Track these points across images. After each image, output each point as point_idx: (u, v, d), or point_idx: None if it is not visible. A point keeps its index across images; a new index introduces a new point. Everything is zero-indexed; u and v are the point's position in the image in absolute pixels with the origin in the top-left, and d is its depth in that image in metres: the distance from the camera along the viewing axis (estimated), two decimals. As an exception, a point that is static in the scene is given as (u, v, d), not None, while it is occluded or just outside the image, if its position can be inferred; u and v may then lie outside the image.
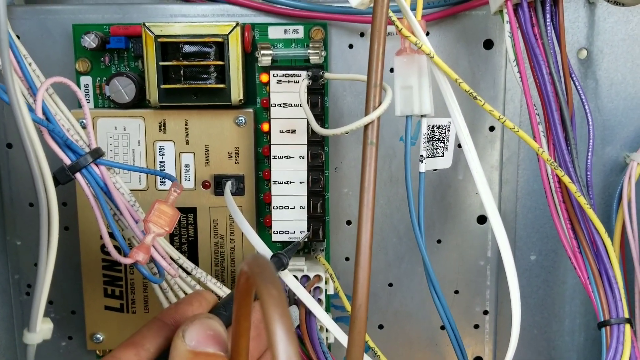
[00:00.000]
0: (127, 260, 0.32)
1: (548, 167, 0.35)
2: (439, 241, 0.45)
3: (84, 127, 0.38)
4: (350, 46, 0.42)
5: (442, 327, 0.45)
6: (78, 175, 0.33)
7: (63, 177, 0.33)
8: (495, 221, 0.32)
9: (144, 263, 0.32)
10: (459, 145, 0.43)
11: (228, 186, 0.39)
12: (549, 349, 0.48)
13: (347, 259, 0.45)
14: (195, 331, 0.25)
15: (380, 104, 0.30)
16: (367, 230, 0.29)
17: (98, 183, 0.33)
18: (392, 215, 0.44)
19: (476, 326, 0.46)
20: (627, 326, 0.31)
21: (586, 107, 0.36)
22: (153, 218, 0.32)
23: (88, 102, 0.41)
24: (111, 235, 0.33)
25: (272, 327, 0.17)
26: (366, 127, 0.30)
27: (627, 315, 0.32)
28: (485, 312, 0.46)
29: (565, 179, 0.32)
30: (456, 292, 0.45)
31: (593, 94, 0.45)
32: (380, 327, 0.46)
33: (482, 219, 0.44)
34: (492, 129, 0.43)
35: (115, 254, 0.32)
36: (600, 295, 0.31)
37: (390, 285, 0.45)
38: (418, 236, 0.35)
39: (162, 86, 0.38)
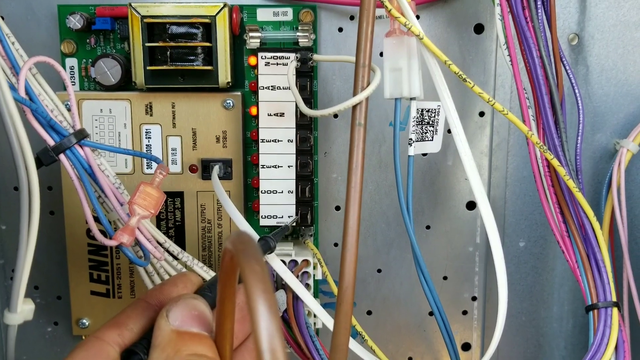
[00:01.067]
0: (111, 242, 0.31)
1: (537, 151, 0.35)
2: (428, 227, 0.44)
3: (68, 108, 0.37)
4: (340, 29, 0.42)
5: (431, 313, 0.45)
6: (62, 157, 0.32)
7: (47, 158, 0.32)
8: (484, 207, 0.32)
9: (128, 245, 0.31)
10: (449, 131, 0.43)
11: (215, 170, 0.39)
12: (537, 335, 0.48)
13: (335, 244, 0.44)
14: (180, 311, 0.24)
15: (368, 84, 0.30)
16: (354, 212, 0.29)
17: (82, 165, 0.33)
18: (381, 200, 0.44)
19: (464, 312, 0.46)
20: (615, 310, 0.31)
21: (577, 91, 0.36)
22: (138, 200, 0.32)
23: (73, 84, 0.40)
24: (96, 218, 0.33)
25: (254, 303, 0.17)
26: (354, 108, 0.30)
27: (614, 299, 0.31)
28: (474, 299, 0.45)
29: (555, 162, 0.32)
30: (445, 278, 0.45)
31: (584, 80, 0.44)
32: (369, 313, 0.46)
33: (471, 205, 0.44)
34: (482, 114, 0.43)
35: (99, 236, 0.32)
36: (588, 279, 0.31)
37: (379, 271, 0.45)
38: (407, 220, 0.35)
39: (148, 68, 0.37)
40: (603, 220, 0.44)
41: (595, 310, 0.31)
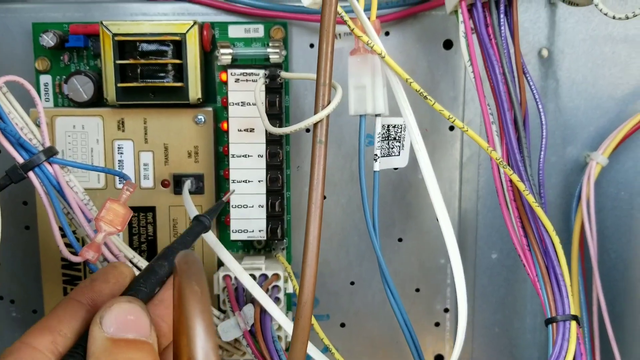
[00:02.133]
0: (77, 259, 0.32)
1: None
2: (400, 240, 0.45)
3: (39, 125, 0.38)
4: (311, 45, 0.42)
5: (405, 325, 0.46)
6: (31, 174, 0.33)
7: (15, 175, 0.33)
8: (445, 224, 0.32)
9: (94, 261, 0.32)
10: (420, 145, 0.43)
11: (186, 185, 0.39)
12: (510, 346, 0.48)
13: (309, 257, 0.45)
14: (114, 317, 0.23)
15: (329, 102, 0.30)
16: (315, 228, 0.30)
17: (51, 181, 0.33)
18: (354, 214, 0.44)
19: (437, 324, 0.46)
20: (573, 323, 0.31)
21: (540, 106, 0.37)
22: (104, 217, 0.32)
23: (47, 101, 0.41)
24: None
25: (192, 323, 0.18)
26: (315, 125, 0.30)
27: (573, 313, 0.32)
28: (446, 310, 0.46)
29: (514, 178, 0.33)
30: (417, 290, 0.46)
31: (554, 94, 0.45)
32: (342, 325, 0.46)
33: (443, 218, 0.45)
34: (451, 128, 0.44)
35: (65, 252, 0.32)
36: (548, 293, 0.32)
37: (352, 283, 0.45)
38: (372, 236, 0.35)
39: (119, 85, 0.38)
40: (573, 232, 0.45)
41: (554, 324, 0.32)
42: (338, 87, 0.32)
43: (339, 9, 0.32)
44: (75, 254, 0.33)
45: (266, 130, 0.39)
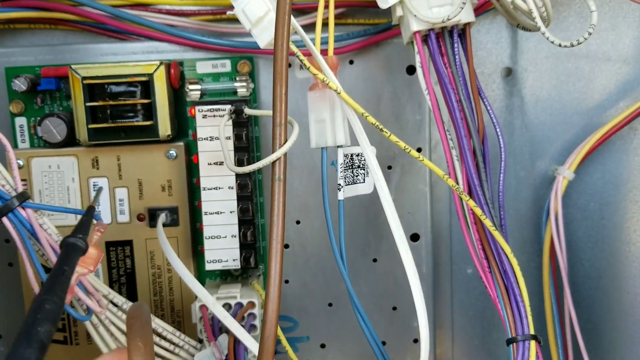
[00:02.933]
0: (51, 301, 0.33)
1: (461, 191, 0.36)
2: (374, 260, 0.46)
3: (21, 167, 0.39)
4: (278, 76, 0.43)
5: (384, 342, 0.47)
6: (5, 220, 0.34)
7: (-11, 222, 0.34)
8: (404, 251, 0.33)
9: (67, 303, 0.33)
10: (389, 167, 0.45)
11: (161, 219, 0.40)
12: (490, 358, 0.49)
13: (286, 281, 0.46)
14: None
15: (286, 141, 0.31)
16: (276, 264, 0.31)
17: (25, 225, 0.34)
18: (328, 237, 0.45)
19: (415, 340, 0.47)
20: (533, 342, 0.32)
21: (497, 129, 0.38)
22: (76, 258, 0.33)
23: (24, 142, 0.42)
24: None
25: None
26: (273, 164, 0.31)
27: (532, 332, 0.33)
28: (424, 327, 0.47)
29: (471, 203, 0.34)
30: (394, 308, 0.47)
31: (519, 111, 0.46)
32: (322, 346, 0.47)
33: (415, 237, 0.46)
34: (419, 150, 0.45)
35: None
36: (508, 313, 0.33)
37: (330, 305, 0.46)
38: (340, 265, 0.36)
39: (90, 126, 0.39)
40: (544, 246, 0.46)
41: (515, 344, 0.33)
42: (295, 124, 0.33)
43: (294, 48, 0.34)
44: (50, 295, 0.34)
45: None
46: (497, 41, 0.45)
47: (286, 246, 0.45)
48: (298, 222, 0.45)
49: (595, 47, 0.45)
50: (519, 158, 0.47)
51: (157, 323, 0.38)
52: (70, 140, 0.41)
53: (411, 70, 0.44)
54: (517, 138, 0.46)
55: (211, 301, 0.37)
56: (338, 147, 0.37)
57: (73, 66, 0.39)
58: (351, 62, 0.43)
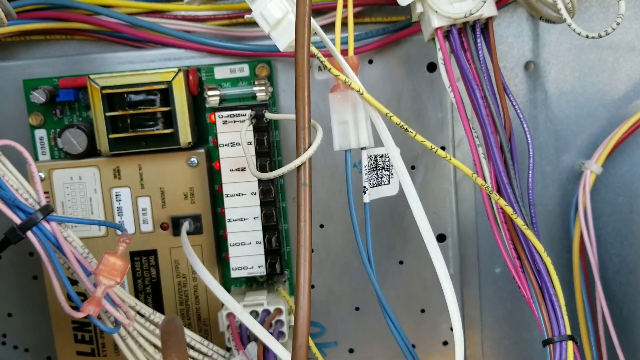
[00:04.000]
0: (78, 314, 0.33)
1: (489, 189, 0.36)
2: (401, 262, 0.45)
3: (42, 180, 0.39)
4: (297, 79, 0.43)
5: (413, 345, 0.46)
6: (29, 234, 0.34)
7: (14, 237, 0.34)
8: (432, 246, 0.33)
9: (95, 315, 0.33)
10: (413, 167, 0.44)
11: (185, 227, 0.40)
12: (520, 358, 0.48)
13: (312, 286, 0.45)
14: None
15: (310, 145, 0.31)
16: (305, 270, 0.30)
17: (49, 239, 0.34)
18: (353, 240, 0.45)
19: (445, 343, 0.46)
20: (570, 343, 0.32)
21: (525, 125, 0.37)
22: (102, 271, 0.33)
23: (44, 154, 0.42)
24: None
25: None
26: (298, 169, 0.31)
27: (569, 333, 0.32)
28: (452, 329, 0.46)
29: (501, 202, 0.33)
30: (422, 310, 0.46)
31: (543, 105, 0.45)
32: (351, 351, 0.46)
33: (442, 237, 0.45)
34: (443, 148, 0.44)
35: (67, 309, 0.33)
36: (543, 313, 0.32)
37: (357, 309, 0.46)
38: (368, 268, 0.36)
39: (110, 136, 0.39)
40: (573, 242, 0.45)
41: (551, 345, 0.32)
42: (319, 128, 0.33)
43: (315, 50, 0.33)
44: (77, 308, 0.33)
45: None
46: (518, 34, 0.45)
47: (311, 250, 0.45)
48: (322, 226, 0.45)
49: (619, 37, 0.44)
50: (544, 153, 0.46)
51: (185, 333, 0.37)
52: (91, 151, 0.40)
53: (432, 67, 0.43)
54: (541, 132, 0.45)
55: (239, 309, 0.36)
56: (362, 149, 0.36)
57: (91, 76, 0.39)
58: (370, 61, 0.43)
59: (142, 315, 0.37)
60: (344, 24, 0.35)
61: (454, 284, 0.45)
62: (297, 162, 0.31)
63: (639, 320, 0.47)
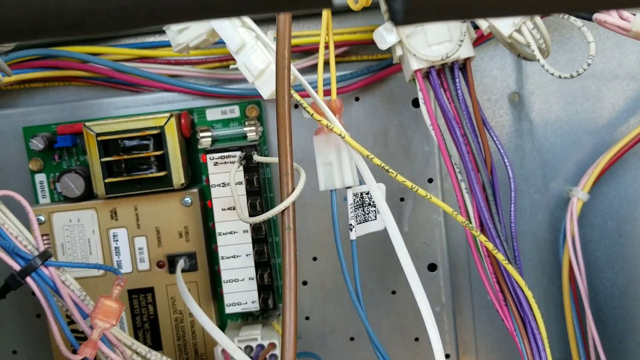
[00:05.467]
0: (75, 357, 0.34)
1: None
2: (393, 292, 0.46)
3: (42, 223, 0.41)
4: (287, 118, 0.44)
5: (408, 374, 0.47)
6: (28, 279, 0.35)
7: (14, 283, 0.35)
8: (414, 284, 0.34)
9: (91, 357, 0.34)
10: (402, 199, 0.45)
11: (180, 265, 0.41)
12: (516, 383, 0.49)
13: (307, 318, 0.46)
14: None
15: (293, 190, 0.32)
16: (291, 311, 0.31)
17: (48, 283, 0.36)
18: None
19: (439, 370, 0.47)
20: (551, 376, 0.32)
21: (505, 160, 0.38)
22: (98, 314, 0.34)
23: (44, 197, 0.44)
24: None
25: None
26: (282, 213, 0.32)
27: (551, 366, 0.33)
28: (447, 356, 0.47)
29: (482, 238, 0.34)
30: (416, 339, 0.47)
31: (529, 134, 0.46)
32: (347, 380, 0.47)
33: (433, 267, 0.46)
34: (430, 180, 0.45)
35: (65, 352, 0.35)
36: (525, 345, 0.33)
37: (352, 339, 0.47)
38: (357, 306, 0.37)
39: (106, 180, 0.40)
40: (562, 268, 0.46)
41: (534, 378, 0.33)
42: (302, 171, 0.34)
43: (297, 97, 0.34)
44: (75, 351, 0.35)
45: (247, 207, 0.41)
46: (501, 67, 0.46)
47: (304, 283, 0.46)
48: (315, 259, 0.46)
49: (602, 66, 0.45)
50: (532, 181, 0.47)
51: (181, 370, 0.38)
52: (88, 194, 0.42)
53: (416, 103, 0.44)
54: (528, 162, 0.46)
55: (232, 347, 0.37)
56: (346, 188, 0.37)
57: (87, 123, 0.40)
58: (357, 99, 0.44)
59: (139, 354, 0.38)
60: (328, 64, 0.37)
61: (447, 312, 0.46)
62: (280, 207, 0.32)
63: (632, 344, 0.47)
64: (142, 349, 0.38)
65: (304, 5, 0.14)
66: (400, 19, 0.14)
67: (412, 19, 0.14)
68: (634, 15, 0.29)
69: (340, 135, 0.34)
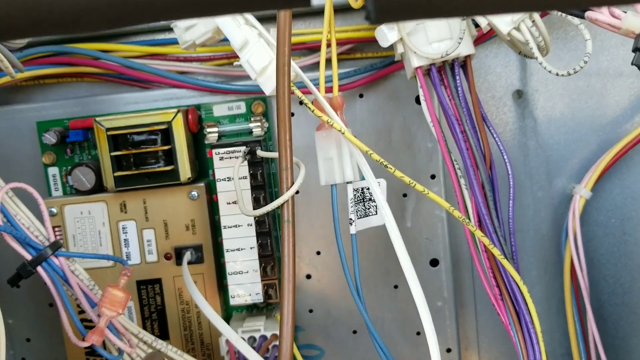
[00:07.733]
0: (83, 344, 0.35)
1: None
2: (395, 287, 0.47)
3: (55, 215, 0.42)
4: (292, 114, 0.45)
5: (411, 367, 0.48)
6: (39, 269, 0.37)
7: (25, 272, 0.36)
8: (413, 284, 0.34)
9: (99, 344, 0.35)
10: (404, 195, 0.46)
11: (186, 257, 0.43)
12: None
13: (310, 310, 0.47)
14: None
15: (292, 184, 0.33)
16: (289, 304, 0.32)
17: (58, 273, 0.37)
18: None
19: (441, 364, 0.48)
20: (545, 369, 0.33)
21: (505, 157, 0.38)
22: (105, 303, 0.35)
23: (57, 190, 0.45)
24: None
25: None
26: (282, 207, 0.33)
27: (544, 359, 0.33)
28: (449, 350, 0.48)
29: (478, 233, 0.34)
30: (418, 333, 0.47)
31: (533, 132, 0.47)
32: (349, 372, 0.48)
33: (435, 262, 0.47)
34: (433, 177, 0.45)
35: (73, 338, 0.36)
36: (520, 339, 0.34)
37: (355, 332, 0.48)
38: (357, 300, 0.37)
39: (115, 174, 0.41)
40: (564, 266, 0.46)
41: (528, 371, 0.33)
42: (302, 166, 0.35)
43: (298, 93, 0.35)
44: (82, 338, 0.36)
45: (252, 201, 0.42)
46: (505, 64, 0.46)
47: (308, 276, 0.47)
48: (319, 253, 0.47)
49: (607, 64, 0.46)
50: (535, 178, 0.47)
51: (186, 359, 0.40)
52: (99, 187, 0.43)
53: (419, 100, 0.44)
54: (532, 159, 0.47)
55: (234, 337, 0.38)
56: (347, 182, 0.38)
57: (97, 118, 0.41)
58: (361, 95, 0.45)
59: (145, 342, 0.39)
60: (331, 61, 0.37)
61: (449, 307, 0.47)
62: (279, 200, 0.33)
63: (635, 340, 0.48)
64: (148, 337, 0.39)
65: (282, 5, 0.15)
66: (373, 18, 0.15)
67: (385, 18, 0.15)
68: (625, 12, 0.30)
69: (340, 131, 0.35)
